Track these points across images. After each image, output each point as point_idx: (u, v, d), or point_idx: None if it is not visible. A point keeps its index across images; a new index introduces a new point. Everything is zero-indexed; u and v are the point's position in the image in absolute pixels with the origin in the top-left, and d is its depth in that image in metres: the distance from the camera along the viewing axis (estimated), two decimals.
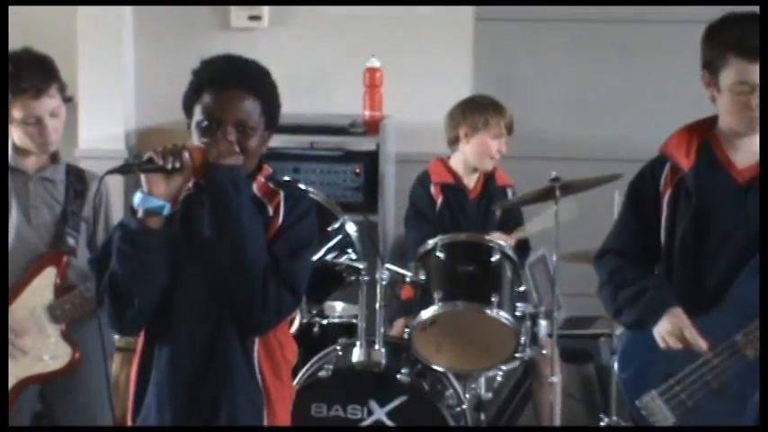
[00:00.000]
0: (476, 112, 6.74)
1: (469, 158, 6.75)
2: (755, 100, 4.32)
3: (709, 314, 4.42)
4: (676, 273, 4.50)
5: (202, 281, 3.91)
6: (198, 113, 3.91)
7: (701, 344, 4.35)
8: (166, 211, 3.81)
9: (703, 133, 4.53)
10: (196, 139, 3.90)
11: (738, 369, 4.38)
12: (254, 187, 3.98)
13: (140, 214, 3.78)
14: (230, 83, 3.92)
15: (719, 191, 4.47)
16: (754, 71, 4.32)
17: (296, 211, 4.01)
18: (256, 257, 3.83)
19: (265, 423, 4.02)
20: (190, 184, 3.92)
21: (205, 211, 3.85)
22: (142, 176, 3.78)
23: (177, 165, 3.74)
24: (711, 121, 4.53)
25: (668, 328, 4.39)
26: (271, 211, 3.96)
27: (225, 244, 3.81)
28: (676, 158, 4.50)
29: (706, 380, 4.40)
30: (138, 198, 3.79)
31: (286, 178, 4.40)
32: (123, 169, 4.10)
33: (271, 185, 4.02)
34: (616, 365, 4.81)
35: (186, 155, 3.75)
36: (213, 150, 3.82)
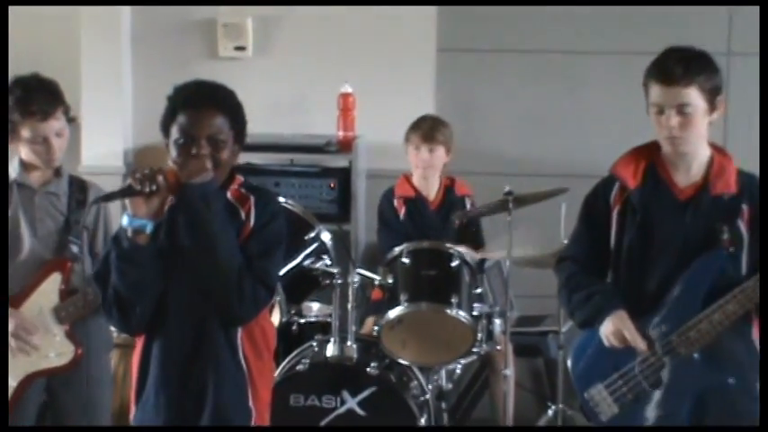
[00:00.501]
0: (411, 130, 6.87)
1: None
2: (670, 120, 4.34)
3: (648, 315, 4.42)
4: (622, 279, 4.52)
5: (187, 281, 3.96)
6: (174, 132, 3.97)
7: (640, 344, 4.36)
8: (149, 228, 3.88)
9: (649, 155, 4.54)
10: (174, 156, 3.97)
11: (674, 366, 4.38)
12: (228, 194, 4.05)
13: (129, 233, 3.86)
14: (201, 103, 3.99)
15: (662, 207, 4.48)
16: (665, 93, 4.36)
17: (265, 214, 4.11)
18: (229, 260, 3.92)
19: (249, 400, 4.08)
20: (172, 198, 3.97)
21: (181, 224, 3.91)
22: (127, 201, 3.84)
23: (153, 188, 3.84)
24: (657, 145, 4.54)
25: (611, 329, 4.39)
26: (243, 215, 4.04)
27: (200, 251, 3.91)
28: (624, 178, 4.51)
29: (645, 375, 4.40)
30: (125, 220, 3.87)
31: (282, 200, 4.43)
32: (108, 197, 4.15)
33: (243, 191, 4.09)
34: (569, 361, 4.76)
35: (160, 178, 3.85)
36: (184, 171, 3.89)
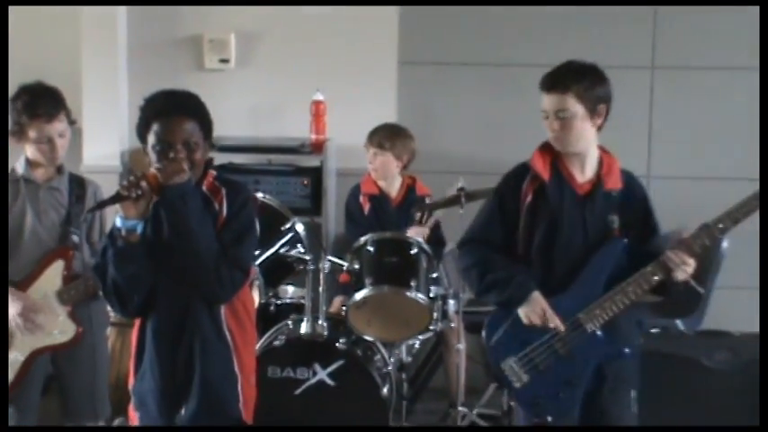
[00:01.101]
0: (370, 136, 6.89)
1: None
2: (552, 124, 4.44)
3: (557, 296, 4.46)
4: (534, 264, 4.52)
5: (170, 271, 3.98)
6: (151, 139, 3.98)
7: (557, 321, 4.41)
8: (140, 228, 3.90)
9: (552, 152, 4.57)
10: (153, 161, 3.98)
11: (581, 340, 4.44)
12: (204, 187, 4.06)
13: (123, 233, 3.88)
14: (172, 112, 4.00)
15: (567, 200, 4.52)
16: (547, 100, 4.45)
17: (235, 204, 4.12)
18: (207, 249, 3.93)
19: (235, 366, 4.09)
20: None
21: (163, 220, 3.94)
22: (119, 205, 3.87)
23: (139, 192, 3.87)
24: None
25: (531, 309, 4.43)
26: (216, 206, 4.06)
27: (181, 243, 3.92)
28: (539, 170, 4.53)
29: (555, 348, 4.45)
30: (118, 221, 3.90)
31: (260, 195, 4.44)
32: (101, 204, 4.13)
33: (216, 183, 4.12)
34: (483, 335, 4.74)
35: (144, 183, 3.89)
36: (163, 173, 3.90)
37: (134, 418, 4.18)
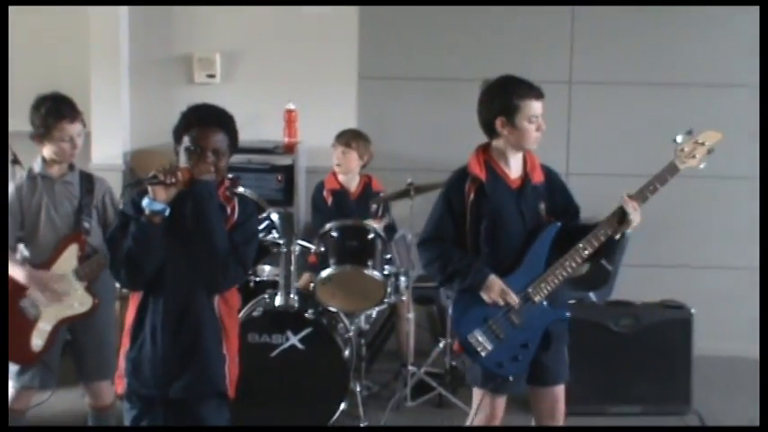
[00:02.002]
0: (335, 139, 6.92)
1: None
2: (541, 125, 4.44)
3: (509, 276, 4.45)
4: (482, 251, 4.48)
5: (183, 256, 3.92)
6: (186, 141, 3.92)
7: (513, 298, 4.41)
8: (167, 212, 3.84)
9: (484, 155, 4.55)
10: (184, 160, 3.92)
11: (531, 310, 4.45)
12: (219, 195, 3.98)
13: (147, 213, 3.82)
14: (210, 122, 3.96)
15: (502, 195, 4.50)
16: (538, 107, 4.45)
17: (245, 213, 4.08)
18: (221, 244, 3.88)
19: (223, 348, 4.05)
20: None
21: (189, 211, 3.89)
22: (149, 187, 3.81)
23: (173, 180, 3.81)
24: (486, 146, 4.57)
25: (491, 290, 4.41)
26: (229, 211, 4.01)
27: (201, 233, 3.87)
28: (476, 173, 4.50)
29: (511, 319, 4.43)
30: (146, 202, 3.82)
31: (241, 189, 4.41)
32: (137, 183, 4.03)
33: (228, 194, 4.04)
34: (450, 311, 4.76)
35: (179, 174, 3.83)
36: (196, 170, 3.87)
37: (120, 385, 4.10)
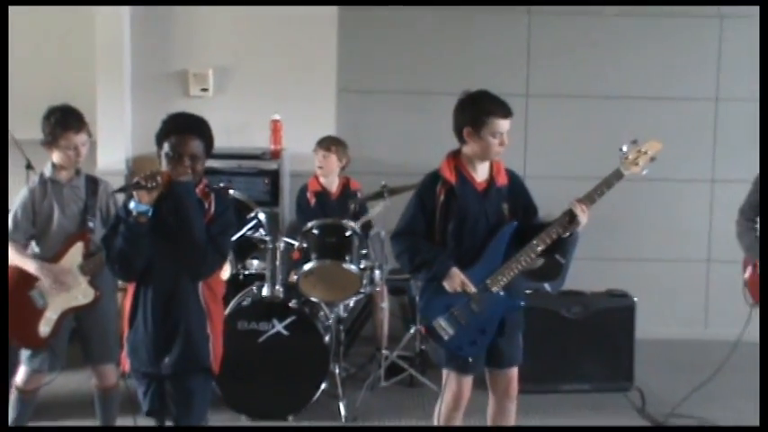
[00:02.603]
0: (317, 144, 6.90)
1: None
2: (503, 142, 4.43)
3: (470, 269, 4.45)
4: (449, 246, 4.49)
5: (167, 250, 3.95)
6: (166, 147, 3.95)
7: (471, 288, 4.41)
8: (150, 212, 3.88)
9: (454, 160, 4.55)
10: (164, 165, 3.96)
11: (489, 299, 4.45)
12: (197, 191, 4.02)
13: (134, 214, 3.87)
14: (186, 130, 3.99)
15: (469, 196, 4.50)
16: (505, 124, 4.45)
17: (221, 206, 4.10)
18: (200, 235, 3.92)
19: (207, 328, 4.07)
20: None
21: (169, 210, 3.92)
22: (134, 192, 3.86)
23: (154, 184, 3.85)
24: (457, 152, 4.57)
25: (452, 280, 4.42)
26: (206, 205, 4.03)
27: (181, 228, 3.91)
28: (447, 176, 4.51)
29: (471, 307, 4.43)
30: (132, 205, 3.87)
31: (231, 192, 4.41)
32: (123, 189, 4.04)
33: (206, 190, 4.08)
34: (417, 299, 4.76)
35: (159, 178, 3.86)
36: (174, 173, 3.91)
37: (125, 363, 4.14)
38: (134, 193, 3.89)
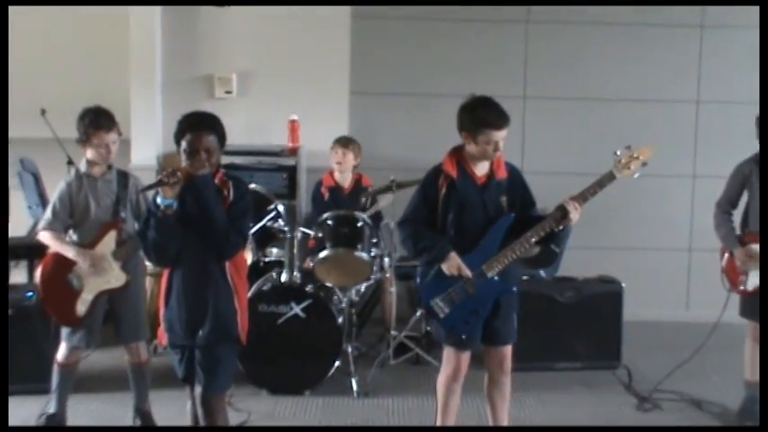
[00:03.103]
0: (334, 143, 6.88)
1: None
2: (498, 149, 4.44)
3: (467, 255, 4.47)
4: (449, 234, 4.52)
5: (194, 236, 4.03)
6: (184, 144, 4.03)
7: (467, 272, 4.44)
8: (175, 205, 3.97)
9: (457, 156, 4.57)
10: (183, 160, 4.03)
11: (484, 283, 4.48)
12: (216, 181, 4.10)
13: (162, 208, 3.96)
14: (200, 127, 4.06)
15: (470, 190, 4.53)
16: (500, 135, 4.43)
17: (239, 192, 4.18)
18: (221, 221, 4.02)
19: (235, 303, 4.15)
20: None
21: (192, 201, 4.00)
22: (159, 189, 3.95)
23: (175, 180, 3.94)
24: (460, 148, 4.57)
25: (449, 264, 4.45)
26: (225, 193, 4.11)
27: (204, 216, 4.00)
28: (448, 171, 4.53)
29: (466, 290, 4.47)
30: (159, 199, 3.97)
31: (252, 185, 4.47)
32: (149, 187, 4.11)
33: (224, 178, 4.15)
34: (418, 280, 4.74)
35: (179, 174, 3.96)
36: (192, 167, 4.00)
37: (162, 338, 4.24)
38: (159, 189, 3.95)
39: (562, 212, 4.42)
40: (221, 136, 4.13)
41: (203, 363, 4.14)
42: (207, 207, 4.00)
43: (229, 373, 4.27)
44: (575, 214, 4.40)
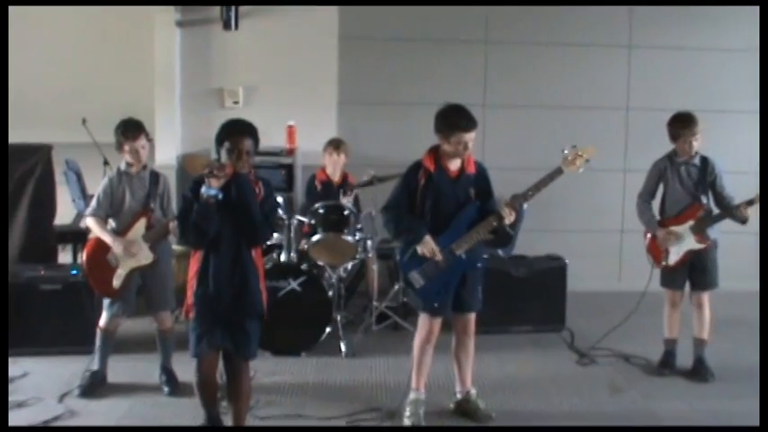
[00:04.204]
0: (327, 145, 6.83)
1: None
2: (468, 148, 4.48)
3: (441, 235, 4.49)
4: (426, 219, 4.52)
5: (232, 224, 3.99)
6: (227, 145, 3.98)
7: (439, 256, 4.46)
8: (220, 195, 3.91)
9: (435, 153, 4.57)
10: (225, 158, 3.98)
11: (453, 260, 4.50)
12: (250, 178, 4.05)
13: (206, 196, 3.89)
14: (240, 132, 4.03)
15: (444, 182, 4.53)
16: (469, 137, 4.45)
17: (268, 190, 4.14)
18: (256, 213, 3.99)
19: (261, 284, 4.12)
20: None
21: (234, 193, 3.96)
22: (206, 179, 3.90)
23: (222, 174, 3.90)
24: (437, 147, 4.56)
25: (424, 245, 4.47)
26: (257, 190, 4.06)
27: (243, 208, 3.97)
28: (427, 166, 4.54)
29: (438, 265, 4.48)
30: (203, 189, 3.90)
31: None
32: (200, 177, 3.98)
33: (254, 178, 4.10)
34: (398, 257, 4.78)
35: (227, 169, 3.92)
36: (236, 166, 3.96)
37: (189, 313, 4.11)
38: (206, 179, 3.90)
39: (499, 215, 4.45)
40: (256, 140, 4.08)
41: (236, 335, 4.07)
42: (247, 201, 3.95)
43: (256, 343, 4.18)
44: (509, 217, 4.43)
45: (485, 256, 5.08)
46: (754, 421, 4.39)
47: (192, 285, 4.10)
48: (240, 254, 4.04)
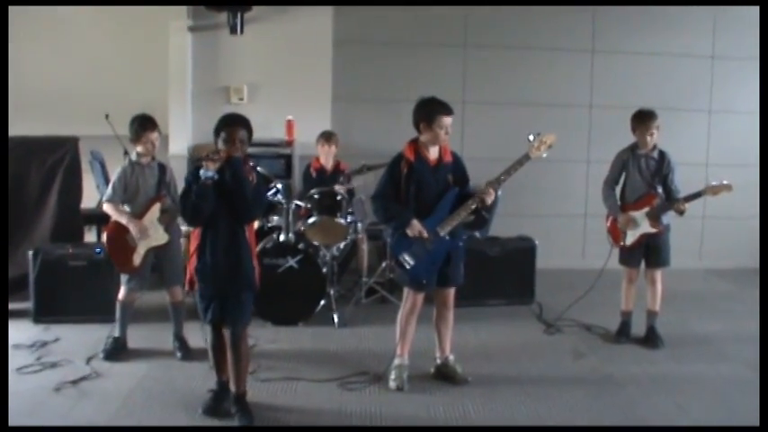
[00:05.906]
0: (320, 137, 6.81)
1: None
2: (448, 133, 4.46)
3: (426, 219, 4.49)
4: (410, 205, 4.51)
5: (227, 204, 3.97)
6: (223, 135, 4.00)
7: (425, 234, 4.45)
8: (215, 177, 3.92)
9: (415, 144, 4.55)
10: (221, 146, 3.99)
11: (438, 240, 4.49)
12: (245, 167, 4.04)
13: (203, 179, 3.91)
14: (234, 123, 4.04)
15: (424, 170, 4.51)
16: (449, 121, 4.43)
17: (260, 178, 4.16)
18: (247, 192, 3.97)
19: (254, 260, 4.10)
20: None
21: (229, 175, 3.95)
22: (204, 162, 3.92)
23: (216, 157, 3.92)
24: (416, 139, 4.55)
25: (411, 228, 4.45)
26: (251, 178, 4.04)
27: (237, 188, 3.95)
28: (408, 156, 4.51)
29: (425, 246, 4.47)
30: (202, 172, 3.91)
31: (259, 169, 4.44)
32: (198, 159, 4.00)
33: (249, 167, 4.09)
34: (389, 241, 4.75)
35: (222, 153, 3.94)
36: (230, 151, 3.96)
37: (193, 286, 4.10)
38: (204, 163, 3.92)
39: (481, 198, 4.45)
40: (249, 131, 4.08)
41: (232, 306, 4.06)
42: (240, 180, 3.94)
43: (249, 313, 4.17)
44: (488, 198, 4.44)
45: (464, 237, 5.10)
46: (701, 383, 4.42)
47: (192, 261, 4.10)
48: (235, 232, 4.03)
